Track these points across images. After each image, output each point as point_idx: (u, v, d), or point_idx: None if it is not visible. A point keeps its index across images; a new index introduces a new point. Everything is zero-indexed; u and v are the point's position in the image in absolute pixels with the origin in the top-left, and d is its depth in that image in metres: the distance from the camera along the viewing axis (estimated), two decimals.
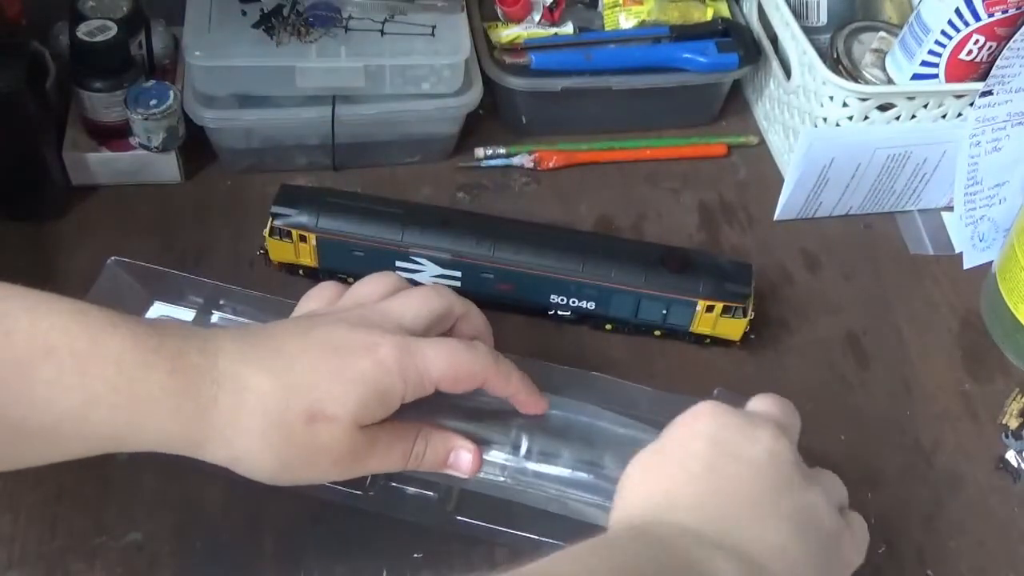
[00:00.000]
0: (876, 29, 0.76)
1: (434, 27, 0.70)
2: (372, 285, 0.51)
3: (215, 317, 0.60)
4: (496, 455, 0.51)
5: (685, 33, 0.76)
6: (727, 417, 0.45)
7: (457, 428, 0.50)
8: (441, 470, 0.50)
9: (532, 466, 0.51)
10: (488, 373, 0.48)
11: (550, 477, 0.51)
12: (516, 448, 0.51)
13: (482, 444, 0.50)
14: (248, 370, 0.44)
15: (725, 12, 0.79)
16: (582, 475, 0.51)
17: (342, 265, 0.65)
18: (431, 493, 0.54)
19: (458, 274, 0.63)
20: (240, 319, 0.59)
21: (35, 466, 0.44)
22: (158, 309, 0.60)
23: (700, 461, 0.43)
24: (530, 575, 0.37)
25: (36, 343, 0.41)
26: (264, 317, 0.58)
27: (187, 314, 0.59)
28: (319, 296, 0.52)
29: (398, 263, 0.63)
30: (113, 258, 0.59)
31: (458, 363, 0.47)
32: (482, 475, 0.51)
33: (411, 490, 0.54)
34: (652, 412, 0.53)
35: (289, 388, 0.44)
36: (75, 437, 0.42)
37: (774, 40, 0.77)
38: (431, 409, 0.49)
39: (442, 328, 0.50)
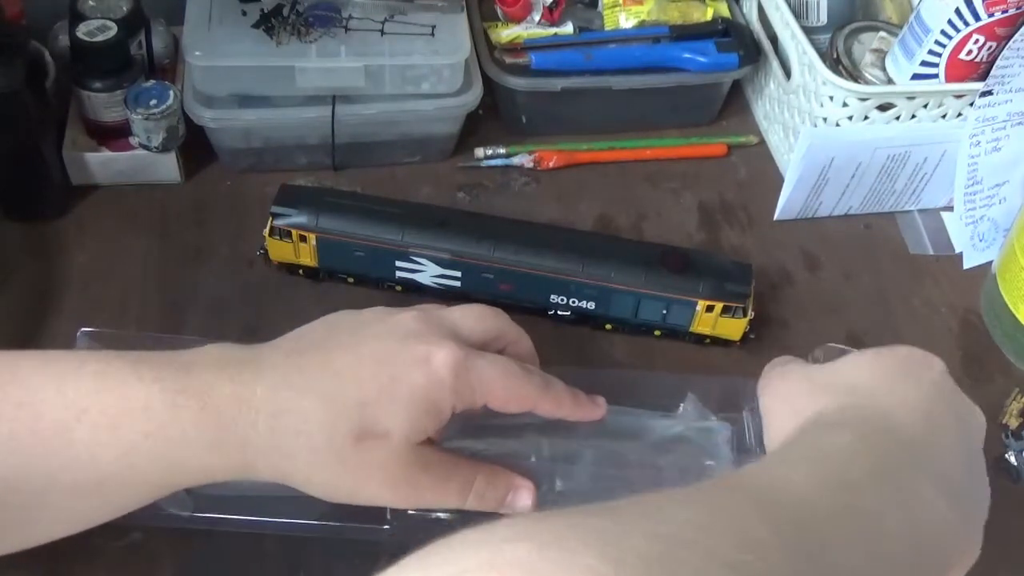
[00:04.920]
0: (876, 29, 0.76)
1: (434, 27, 0.69)
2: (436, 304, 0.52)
3: None
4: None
5: (685, 33, 0.76)
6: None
7: (476, 445, 0.50)
8: (499, 510, 0.48)
9: (559, 483, 0.50)
10: (538, 399, 0.48)
11: (576, 490, 0.50)
12: (538, 455, 0.50)
13: (505, 459, 0.50)
14: (290, 392, 0.43)
15: (725, 12, 0.79)
16: (609, 471, 0.50)
17: (342, 265, 0.65)
18: (444, 515, 0.50)
19: (458, 274, 0.63)
20: None
21: (100, 524, 0.45)
22: None
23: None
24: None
25: (68, 408, 0.42)
26: None
27: None
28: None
29: (398, 263, 0.63)
30: (82, 330, 0.57)
31: (511, 385, 0.47)
32: None
33: (433, 516, 0.50)
34: (661, 397, 0.53)
35: (337, 407, 0.43)
36: (124, 489, 0.43)
37: (774, 40, 0.77)
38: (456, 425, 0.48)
39: (494, 349, 0.50)
